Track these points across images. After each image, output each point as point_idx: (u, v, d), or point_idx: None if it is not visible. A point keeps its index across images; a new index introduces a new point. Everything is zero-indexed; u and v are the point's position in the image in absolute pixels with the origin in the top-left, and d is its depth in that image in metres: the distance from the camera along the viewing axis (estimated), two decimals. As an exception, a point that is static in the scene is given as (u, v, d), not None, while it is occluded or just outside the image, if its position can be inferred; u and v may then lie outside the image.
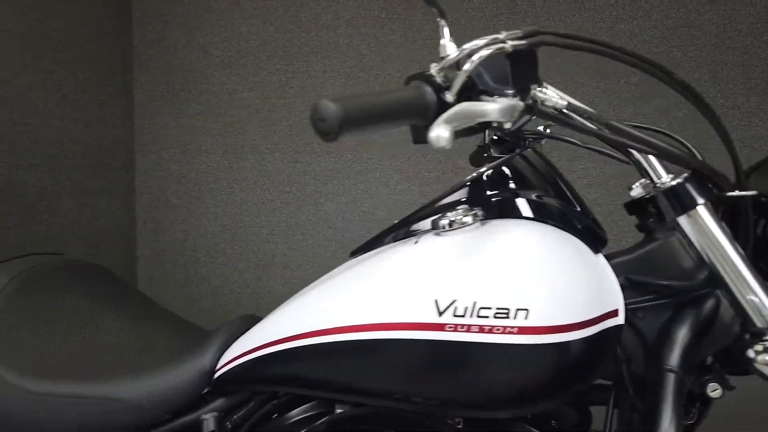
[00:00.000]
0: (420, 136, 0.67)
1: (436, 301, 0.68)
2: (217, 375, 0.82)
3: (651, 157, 0.74)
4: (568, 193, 0.78)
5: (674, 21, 1.72)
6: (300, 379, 0.78)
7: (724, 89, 1.74)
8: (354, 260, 0.86)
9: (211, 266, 2.17)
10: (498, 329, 0.65)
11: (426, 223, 0.79)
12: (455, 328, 0.67)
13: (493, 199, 0.76)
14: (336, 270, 0.86)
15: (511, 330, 0.65)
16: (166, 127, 2.19)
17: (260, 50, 2.08)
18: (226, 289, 2.16)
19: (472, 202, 0.77)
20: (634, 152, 0.75)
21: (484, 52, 0.65)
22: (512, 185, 0.77)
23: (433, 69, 0.68)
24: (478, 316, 0.66)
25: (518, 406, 0.71)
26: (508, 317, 0.65)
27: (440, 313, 0.67)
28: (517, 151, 0.81)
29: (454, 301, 0.67)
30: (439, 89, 0.65)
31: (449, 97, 0.64)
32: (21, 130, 1.74)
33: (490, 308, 0.66)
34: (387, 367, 0.72)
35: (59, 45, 1.87)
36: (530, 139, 0.87)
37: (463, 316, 0.66)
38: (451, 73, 0.66)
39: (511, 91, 0.68)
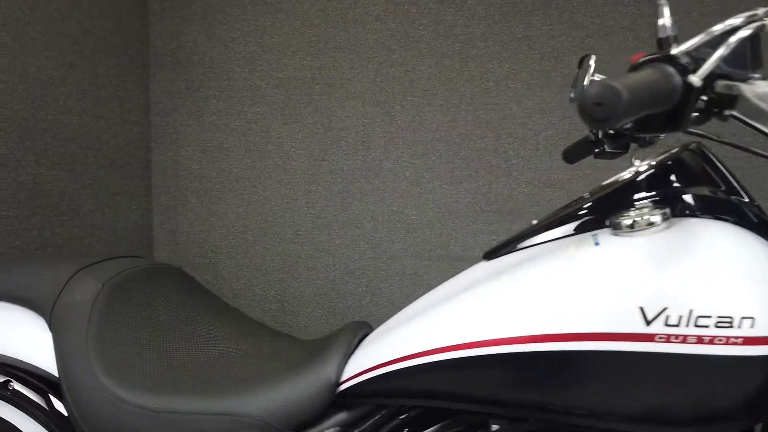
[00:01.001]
0: (619, 143, 0.63)
1: (641, 309, 0.63)
2: (342, 388, 0.76)
3: None
4: (743, 190, 0.71)
5: (714, 18, 1.70)
6: (448, 392, 0.71)
7: None
8: (497, 264, 0.78)
9: (233, 268, 2.10)
10: (720, 340, 0.60)
11: (585, 224, 0.73)
12: (667, 338, 0.62)
13: (679, 196, 0.70)
14: (471, 275, 0.78)
15: (735, 341, 0.60)
16: (185, 124, 2.12)
17: (285, 45, 2.02)
18: (249, 291, 2.10)
19: (653, 199, 0.71)
20: None
21: (744, 33, 0.60)
22: (694, 181, 0.72)
23: (676, 50, 0.62)
24: (696, 326, 0.60)
25: (710, 425, 0.64)
26: (731, 326, 0.60)
27: (648, 323, 0.62)
28: (690, 144, 0.76)
29: (664, 309, 0.62)
30: (684, 71, 0.60)
31: (695, 80, 0.60)
32: (44, 127, 1.66)
33: (709, 317, 0.60)
34: (568, 379, 0.66)
35: (81, 37, 1.80)
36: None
37: (677, 325, 0.61)
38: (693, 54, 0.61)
39: (757, 75, 0.63)
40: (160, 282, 0.91)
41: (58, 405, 0.79)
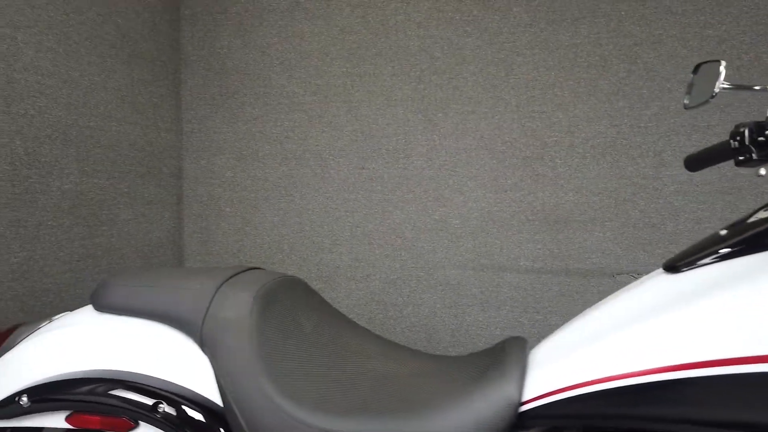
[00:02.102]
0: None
1: None
2: (523, 409, 0.71)
3: None
4: None
5: (764, 27, 1.71)
6: (640, 416, 0.66)
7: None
8: (685, 280, 0.72)
9: (268, 278, 2.05)
10: None
11: None
12: None
13: None
14: (654, 290, 0.72)
15: None
16: (219, 132, 2.08)
17: (324, 52, 1.99)
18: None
19: None
20: None
21: None
22: None
23: None
24: None
25: None
26: None
27: None
28: None
29: None
30: None
31: None
32: (86, 134, 1.61)
33: None
34: None
35: (119, 41, 1.75)
36: None
37: None
38: None
39: None
40: (295, 295, 0.86)
41: (209, 425, 0.74)
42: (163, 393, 0.76)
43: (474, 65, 1.89)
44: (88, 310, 0.88)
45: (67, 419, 0.78)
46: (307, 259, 2.03)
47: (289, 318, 0.80)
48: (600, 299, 1.82)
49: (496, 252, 1.89)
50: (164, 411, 0.75)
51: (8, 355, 0.82)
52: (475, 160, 1.90)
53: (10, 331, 0.87)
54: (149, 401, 0.75)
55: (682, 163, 1.77)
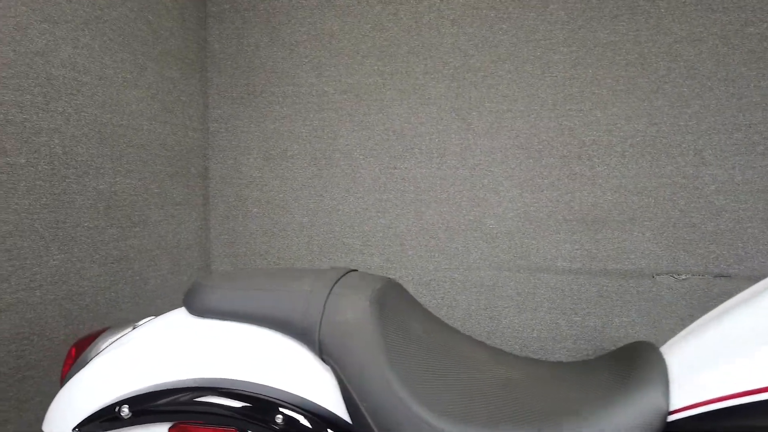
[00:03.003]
0: None
1: None
2: (672, 418, 0.67)
3: None
4: None
5: (807, 24, 1.69)
6: None
7: None
8: None
9: (297, 280, 2.01)
10: None
11: None
12: None
13: None
14: None
15: None
16: (246, 131, 2.03)
17: (354, 50, 1.95)
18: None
19: None
20: None
21: None
22: None
23: None
24: None
25: None
26: None
27: None
28: None
29: None
30: None
31: None
32: (119, 133, 1.56)
33: None
34: None
35: (151, 37, 1.70)
36: None
37: None
38: None
39: None
40: (400, 299, 0.82)
41: None
42: (279, 402, 0.71)
43: (509, 63, 1.86)
44: (182, 314, 0.84)
45: (171, 430, 0.74)
46: (337, 260, 1.99)
47: (402, 322, 0.76)
48: (639, 300, 1.79)
49: (532, 253, 1.86)
50: (282, 421, 0.70)
51: (100, 361, 0.77)
52: (511, 159, 1.87)
53: (94, 337, 0.83)
54: (264, 411, 0.71)
55: (722, 162, 1.74)
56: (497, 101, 1.87)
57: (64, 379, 0.81)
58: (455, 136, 1.90)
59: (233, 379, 0.73)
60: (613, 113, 1.80)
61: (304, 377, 0.73)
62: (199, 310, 0.80)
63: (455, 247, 1.91)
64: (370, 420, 0.66)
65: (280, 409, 0.71)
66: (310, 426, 0.69)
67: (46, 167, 1.30)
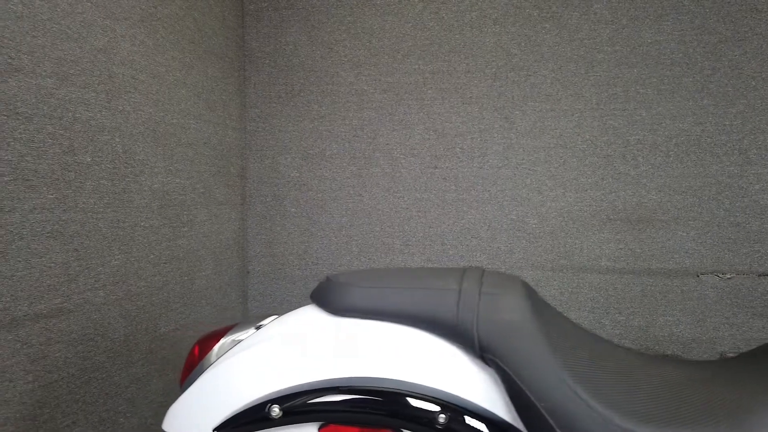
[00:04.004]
0: None
1: None
2: None
3: None
4: None
5: None
6: None
7: None
8: None
9: (335, 280, 2.00)
10: None
11: None
12: None
13: None
14: None
15: None
16: (284, 130, 2.02)
17: (395, 49, 1.95)
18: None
19: None
20: None
21: None
22: None
23: None
24: None
25: None
26: None
27: None
28: None
29: None
30: None
31: None
32: (170, 132, 1.55)
33: None
34: None
35: (197, 36, 1.69)
36: None
37: None
38: None
39: None
40: (537, 296, 0.81)
41: None
42: (440, 401, 0.70)
43: (553, 62, 1.86)
44: (316, 312, 0.82)
45: (321, 430, 0.72)
46: (376, 261, 1.98)
47: (545, 318, 0.75)
48: (684, 299, 1.79)
49: (575, 252, 1.86)
50: (445, 421, 0.69)
51: (237, 360, 0.75)
52: (554, 158, 1.86)
53: (219, 335, 0.81)
54: (425, 411, 0.70)
55: (767, 161, 1.75)
56: (540, 100, 1.87)
57: (187, 378, 0.80)
58: (498, 136, 1.90)
59: (389, 379, 0.71)
60: (658, 112, 1.80)
61: (462, 377, 0.71)
62: (339, 308, 0.79)
63: (497, 246, 1.91)
64: (551, 421, 0.65)
65: (442, 409, 0.69)
66: (474, 427, 0.68)
67: (108, 166, 1.29)
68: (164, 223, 1.51)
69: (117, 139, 1.32)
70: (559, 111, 1.86)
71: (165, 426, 0.75)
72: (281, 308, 2.05)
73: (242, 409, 0.72)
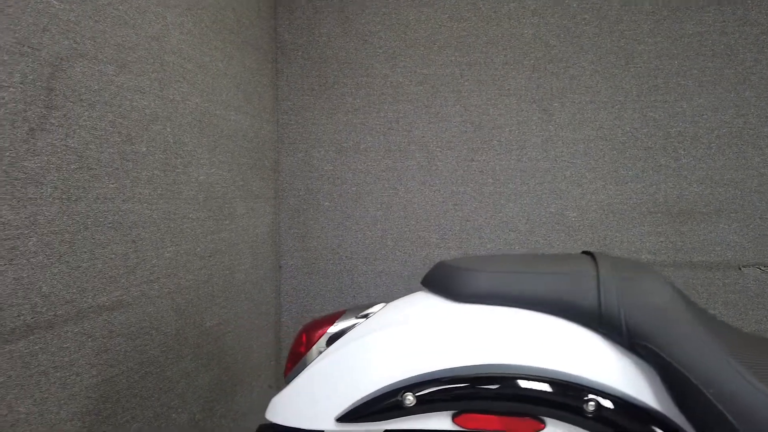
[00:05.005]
0: None
1: None
2: None
3: None
4: None
5: None
6: None
7: None
8: None
9: (370, 275, 1.98)
10: None
11: None
12: None
13: None
14: None
15: None
16: (317, 123, 2.00)
17: (431, 41, 1.92)
18: (388, 300, 1.97)
19: None
20: None
21: None
22: None
23: None
24: None
25: None
26: None
27: None
28: None
29: None
30: None
31: None
32: (214, 123, 1.52)
33: None
34: None
35: (236, 26, 1.66)
36: None
37: None
38: None
39: None
40: (671, 283, 0.79)
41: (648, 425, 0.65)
42: (586, 388, 0.68)
43: (592, 53, 1.84)
44: (432, 298, 0.79)
45: (455, 419, 0.70)
46: (412, 254, 1.96)
47: (686, 305, 0.73)
48: (726, 292, 1.78)
49: (616, 245, 1.84)
50: (595, 411, 0.67)
51: (356, 348, 0.71)
52: (594, 151, 1.85)
53: (327, 322, 0.79)
54: (572, 398, 0.67)
55: (812, 153, 1.74)
56: (580, 92, 1.85)
57: (294, 366, 0.77)
58: (536, 128, 1.88)
59: (533, 366, 0.69)
60: (699, 104, 1.79)
61: (608, 364, 0.69)
62: (463, 294, 0.76)
63: (536, 240, 1.89)
64: (720, 407, 0.63)
65: (590, 396, 0.67)
66: (625, 415, 0.66)
67: (161, 156, 1.26)
68: (209, 215, 1.49)
69: (168, 129, 1.29)
70: (598, 103, 1.84)
71: (270, 416, 0.72)
72: (315, 303, 2.02)
73: (370, 398, 0.70)
